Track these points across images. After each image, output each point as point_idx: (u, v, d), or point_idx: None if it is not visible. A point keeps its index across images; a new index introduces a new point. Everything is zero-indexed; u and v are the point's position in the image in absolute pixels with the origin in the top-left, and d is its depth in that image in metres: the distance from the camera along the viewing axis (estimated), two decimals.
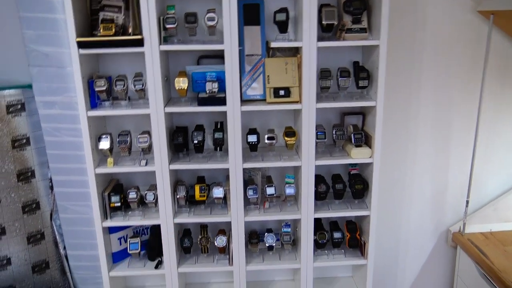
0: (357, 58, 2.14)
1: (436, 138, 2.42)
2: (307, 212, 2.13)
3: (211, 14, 1.88)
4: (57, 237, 2.30)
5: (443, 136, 2.42)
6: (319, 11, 1.91)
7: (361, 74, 2.01)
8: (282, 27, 1.97)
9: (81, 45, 1.82)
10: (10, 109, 2.08)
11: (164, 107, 1.94)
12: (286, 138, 2.07)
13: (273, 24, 1.98)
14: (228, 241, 2.20)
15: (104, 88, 1.94)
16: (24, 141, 2.14)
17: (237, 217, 2.11)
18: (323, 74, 2.00)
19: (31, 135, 2.15)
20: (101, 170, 2.02)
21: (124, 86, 1.96)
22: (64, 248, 2.30)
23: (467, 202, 2.41)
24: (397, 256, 2.62)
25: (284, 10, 1.94)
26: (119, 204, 2.09)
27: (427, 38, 2.25)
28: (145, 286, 2.46)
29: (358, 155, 2.07)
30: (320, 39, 1.90)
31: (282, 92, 1.99)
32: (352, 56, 2.14)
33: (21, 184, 2.17)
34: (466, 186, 2.41)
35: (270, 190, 2.13)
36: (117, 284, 2.30)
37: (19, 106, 2.10)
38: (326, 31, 1.96)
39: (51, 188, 2.23)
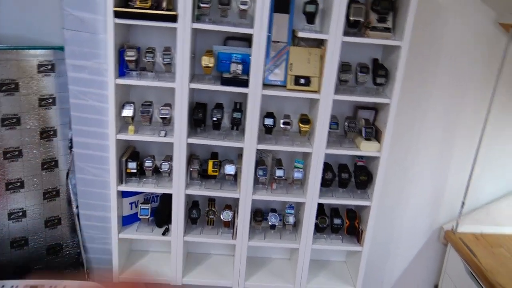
0: (377, 56, 2.22)
1: (440, 140, 2.52)
2: (312, 197, 2.23)
3: None
4: (71, 195, 2.39)
5: (447, 139, 2.53)
6: (348, 7, 1.98)
7: (380, 72, 2.10)
8: (310, 18, 2.04)
9: (117, 14, 1.89)
10: (41, 69, 2.15)
11: (189, 82, 2.03)
12: (300, 124, 2.17)
13: (301, 14, 2.05)
14: (234, 216, 2.31)
15: (134, 58, 2.01)
16: (50, 100, 2.22)
17: (245, 194, 2.22)
18: (344, 67, 2.09)
19: (57, 96, 2.23)
20: (122, 136, 2.11)
21: (152, 59, 2.04)
22: (77, 207, 2.40)
23: (463, 203, 2.54)
24: (389, 246, 2.76)
25: (314, 1, 2.01)
26: (135, 170, 2.18)
27: (446, 44, 2.33)
28: (149, 251, 2.58)
29: (367, 148, 2.17)
30: (345, 33, 1.98)
31: (302, 81, 2.08)
32: (372, 53, 2.22)
33: (43, 141, 2.25)
34: (464, 188, 2.54)
35: (279, 172, 2.23)
36: (124, 246, 2.41)
37: (50, 67, 2.17)
38: (352, 26, 2.04)
39: (70, 148, 2.31)
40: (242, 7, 1.96)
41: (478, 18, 2.30)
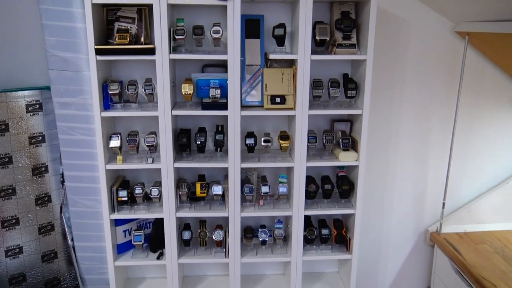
0: (346, 71, 2.36)
1: (416, 145, 2.64)
2: (298, 210, 2.32)
3: (216, 28, 2.09)
4: (66, 229, 2.47)
5: (422, 143, 2.65)
6: (313, 28, 2.13)
7: (350, 85, 2.23)
8: (280, 41, 2.18)
9: (99, 52, 2.02)
10: (29, 108, 2.26)
11: (171, 110, 2.14)
12: (280, 141, 2.28)
13: (271, 37, 2.19)
14: (225, 235, 2.39)
15: (117, 92, 2.13)
16: (40, 138, 2.32)
17: (234, 212, 2.30)
18: (316, 84, 2.22)
19: (46, 133, 2.33)
20: (111, 166, 2.20)
21: (135, 90, 2.16)
22: (72, 239, 2.46)
23: (444, 204, 2.64)
24: (379, 253, 2.83)
25: (282, 25, 2.15)
26: (126, 198, 2.27)
27: (410, 54, 2.48)
28: (145, 278, 2.63)
29: (345, 158, 2.28)
30: (313, 52, 2.11)
31: (278, 100, 2.20)
32: (342, 69, 2.36)
33: (35, 178, 2.34)
34: (443, 190, 2.64)
35: (264, 189, 2.33)
36: (120, 274, 2.47)
37: (37, 106, 2.28)
38: (319, 45, 2.18)
39: (62, 182, 2.40)
40: (215, 35, 2.09)
41: (437, 29, 2.45)
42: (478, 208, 2.72)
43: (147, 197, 2.33)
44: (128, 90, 2.15)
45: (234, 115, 2.16)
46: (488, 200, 2.71)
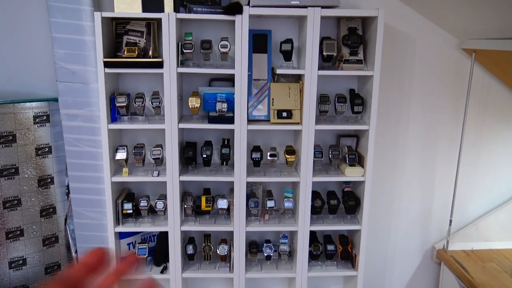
0: (353, 86, 2.36)
1: (423, 162, 2.63)
2: (303, 225, 2.31)
3: (224, 42, 2.10)
4: (70, 241, 2.46)
5: (429, 160, 2.63)
6: (321, 43, 2.14)
7: (356, 101, 2.23)
8: (287, 56, 2.19)
9: (107, 64, 2.03)
10: (37, 120, 2.27)
11: (178, 123, 2.15)
12: (286, 155, 2.27)
13: (279, 52, 2.20)
14: (230, 250, 2.37)
15: (124, 104, 2.14)
16: (47, 149, 2.32)
17: (239, 227, 2.29)
18: (322, 99, 2.22)
19: (53, 145, 2.34)
20: (117, 178, 2.20)
21: (142, 103, 2.16)
22: (76, 251, 2.45)
23: (450, 221, 2.61)
24: (385, 270, 2.80)
25: (289, 41, 2.17)
26: (131, 211, 2.26)
27: (417, 71, 2.49)
28: None
29: (351, 174, 2.27)
30: (320, 68, 2.12)
31: (284, 114, 2.20)
32: (348, 84, 2.36)
33: (40, 189, 2.34)
34: (450, 206, 2.62)
35: (270, 203, 2.31)
36: None
37: (45, 117, 2.29)
38: (326, 61, 2.19)
39: (67, 194, 2.40)
40: (223, 50, 2.11)
41: (443, 45, 2.46)
42: (486, 226, 2.69)
43: (152, 210, 2.32)
44: (135, 103, 2.16)
45: (240, 129, 2.16)
46: (495, 217, 2.68)
